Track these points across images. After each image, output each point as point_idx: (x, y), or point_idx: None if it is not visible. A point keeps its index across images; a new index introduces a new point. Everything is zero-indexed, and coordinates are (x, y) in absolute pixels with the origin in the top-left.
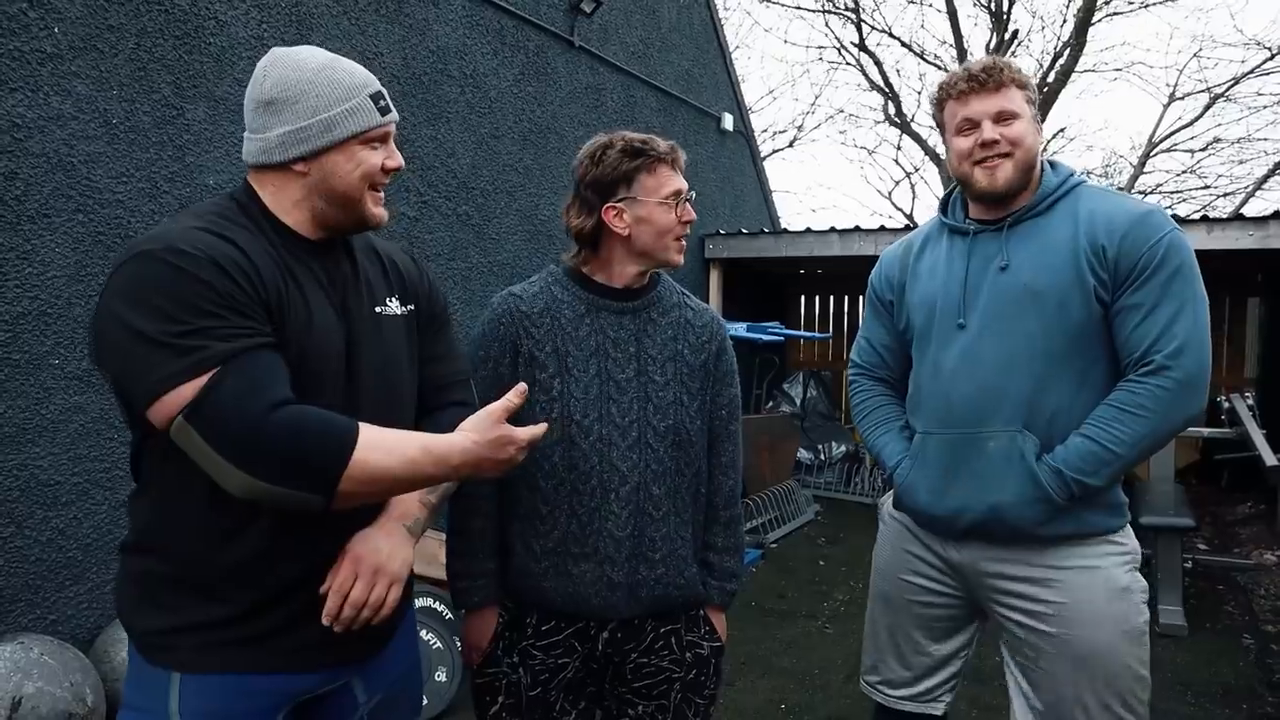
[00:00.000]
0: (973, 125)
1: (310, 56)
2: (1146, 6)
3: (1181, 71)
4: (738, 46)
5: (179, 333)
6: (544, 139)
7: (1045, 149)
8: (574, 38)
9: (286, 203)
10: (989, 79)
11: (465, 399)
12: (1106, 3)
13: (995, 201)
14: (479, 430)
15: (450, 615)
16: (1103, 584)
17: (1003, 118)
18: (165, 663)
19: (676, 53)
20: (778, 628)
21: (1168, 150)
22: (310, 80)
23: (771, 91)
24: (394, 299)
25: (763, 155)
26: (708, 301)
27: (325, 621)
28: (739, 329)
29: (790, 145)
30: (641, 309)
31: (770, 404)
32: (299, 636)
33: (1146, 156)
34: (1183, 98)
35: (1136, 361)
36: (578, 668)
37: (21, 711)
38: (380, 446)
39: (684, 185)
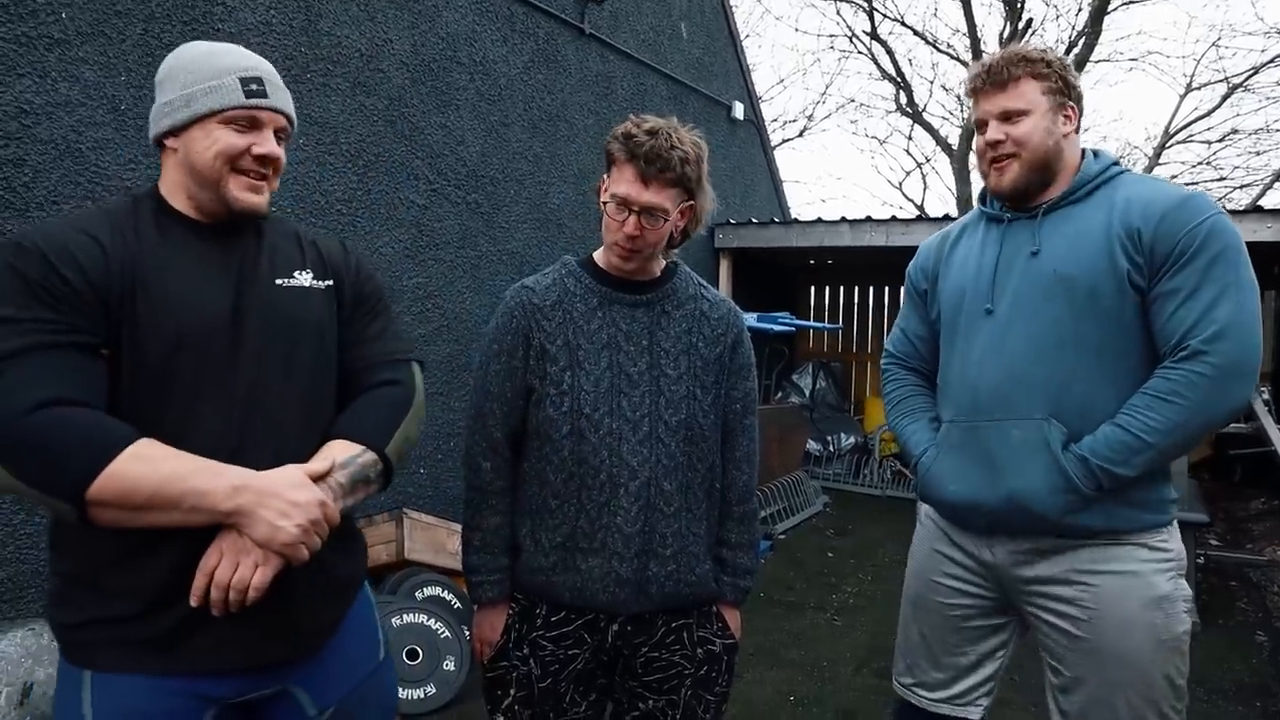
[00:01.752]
0: (984, 124)
1: (202, 45)
2: None
3: (1199, 61)
4: (748, 35)
5: None
6: (554, 127)
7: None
8: (584, 25)
9: (171, 184)
10: (994, 76)
11: (396, 378)
12: None
13: (1008, 200)
14: (285, 483)
15: (459, 604)
16: (1138, 590)
17: (1008, 117)
18: (79, 661)
19: (687, 41)
20: (786, 619)
21: (1184, 141)
22: (185, 62)
23: (782, 80)
24: (305, 272)
25: (773, 145)
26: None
27: (193, 601)
28: (749, 319)
29: (801, 135)
30: (655, 301)
31: (779, 395)
32: (207, 636)
33: (1162, 148)
34: (1200, 88)
35: (1173, 348)
36: (587, 659)
37: (33, 698)
38: (147, 464)
39: (641, 198)
